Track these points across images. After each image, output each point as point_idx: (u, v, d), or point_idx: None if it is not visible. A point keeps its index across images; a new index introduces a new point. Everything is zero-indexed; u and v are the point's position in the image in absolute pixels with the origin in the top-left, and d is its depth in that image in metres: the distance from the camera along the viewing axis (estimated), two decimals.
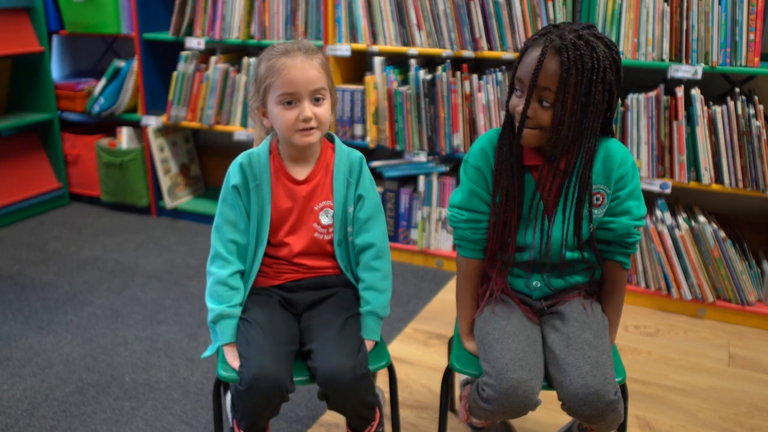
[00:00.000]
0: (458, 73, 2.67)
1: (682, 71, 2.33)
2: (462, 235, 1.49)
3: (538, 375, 1.36)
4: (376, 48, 2.79)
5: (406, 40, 2.75)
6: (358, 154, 1.54)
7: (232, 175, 1.50)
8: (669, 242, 2.43)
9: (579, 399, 1.30)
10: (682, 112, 2.36)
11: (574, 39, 1.26)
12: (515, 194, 1.41)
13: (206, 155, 3.65)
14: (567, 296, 1.49)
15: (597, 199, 1.41)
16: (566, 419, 1.79)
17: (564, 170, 1.36)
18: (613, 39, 2.40)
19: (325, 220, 1.52)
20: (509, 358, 1.35)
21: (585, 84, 1.26)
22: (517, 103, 1.34)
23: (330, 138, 1.56)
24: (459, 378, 1.88)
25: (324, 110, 1.45)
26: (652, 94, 2.38)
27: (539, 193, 1.40)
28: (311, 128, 1.44)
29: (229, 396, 1.71)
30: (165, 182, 3.39)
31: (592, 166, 1.36)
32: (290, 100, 1.43)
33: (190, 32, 3.17)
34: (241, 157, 1.51)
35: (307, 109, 1.42)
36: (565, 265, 1.47)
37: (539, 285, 1.49)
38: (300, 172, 1.51)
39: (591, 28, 1.30)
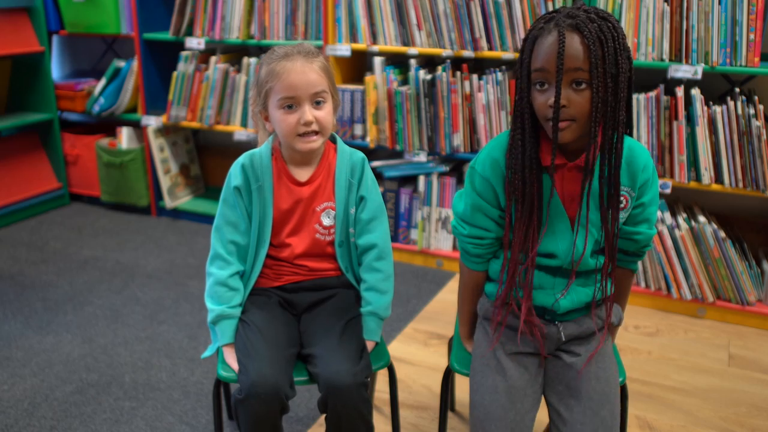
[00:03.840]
0: (458, 73, 2.67)
1: (682, 71, 2.33)
2: (464, 248, 1.43)
3: None
4: (376, 48, 2.79)
5: (406, 40, 2.75)
6: (360, 155, 1.54)
7: (234, 176, 1.49)
8: (669, 242, 2.43)
9: None
10: (682, 112, 2.36)
11: (584, 14, 1.23)
12: (534, 199, 1.29)
13: (206, 155, 3.65)
14: (585, 324, 1.40)
15: (620, 202, 1.33)
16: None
17: (591, 167, 1.26)
18: None
19: (326, 221, 1.51)
20: None
21: (612, 54, 1.21)
22: (546, 98, 1.23)
23: (332, 139, 1.56)
24: None
25: (325, 113, 1.44)
26: (652, 94, 2.38)
27: (559, 195, 1.30)
28: (313, 133, 1.43)
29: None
30: (165, 182, 3.39)
31: (620, 160, 1.29)
32: (291, 104, 1.42)
33: (190, 32, 3.17)
34: (242, 158, 1.50)
35: (308, 112, 1.41)
36: (589, 273, 1.37)
37: (564, 296, 1.37)
38: (302, 174, 1.51)
39: (584, 5, 1.26)
